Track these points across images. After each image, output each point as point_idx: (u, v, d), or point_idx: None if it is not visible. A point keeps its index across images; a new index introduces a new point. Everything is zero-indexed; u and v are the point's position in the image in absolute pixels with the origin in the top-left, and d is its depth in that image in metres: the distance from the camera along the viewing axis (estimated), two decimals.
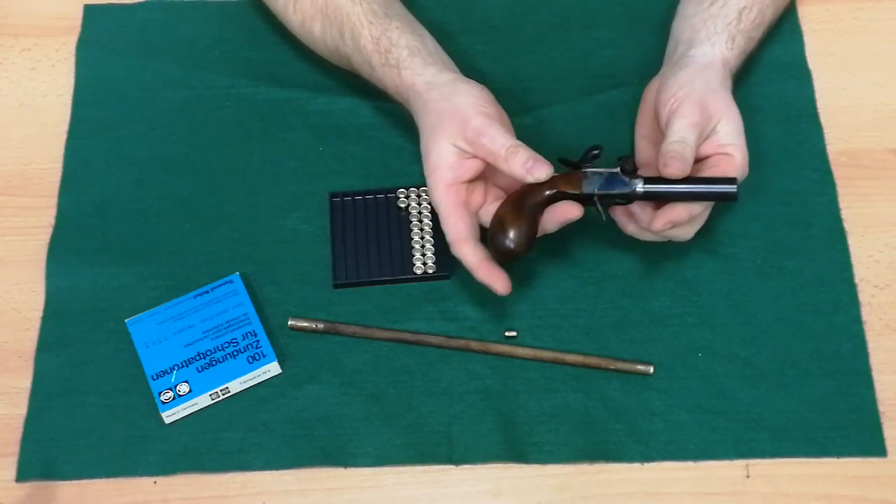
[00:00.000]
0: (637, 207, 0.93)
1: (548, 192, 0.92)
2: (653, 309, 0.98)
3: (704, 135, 0.92)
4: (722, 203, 0.94)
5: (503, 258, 0.92)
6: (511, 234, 0.91)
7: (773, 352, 0.96)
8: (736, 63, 0.99)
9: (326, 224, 1.02)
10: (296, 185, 1.05)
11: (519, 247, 0.91)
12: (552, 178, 0.91)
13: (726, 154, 0.93)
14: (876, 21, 1.13)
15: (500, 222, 0.91)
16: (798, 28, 1.12)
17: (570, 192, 0.92)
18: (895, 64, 1.11)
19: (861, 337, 0.97)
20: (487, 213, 0.94)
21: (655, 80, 0.99)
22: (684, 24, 1.02)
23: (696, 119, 0.91)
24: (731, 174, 0.91)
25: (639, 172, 0.92)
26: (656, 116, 0.96)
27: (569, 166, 0.93)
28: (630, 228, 0.96)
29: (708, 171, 0.92)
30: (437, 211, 0.94)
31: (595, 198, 0.92)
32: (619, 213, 0.96)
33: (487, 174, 0.95)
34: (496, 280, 0.92)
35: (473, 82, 0.96)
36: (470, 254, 0.93)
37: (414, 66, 0.97)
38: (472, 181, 0.94)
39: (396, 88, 0.98)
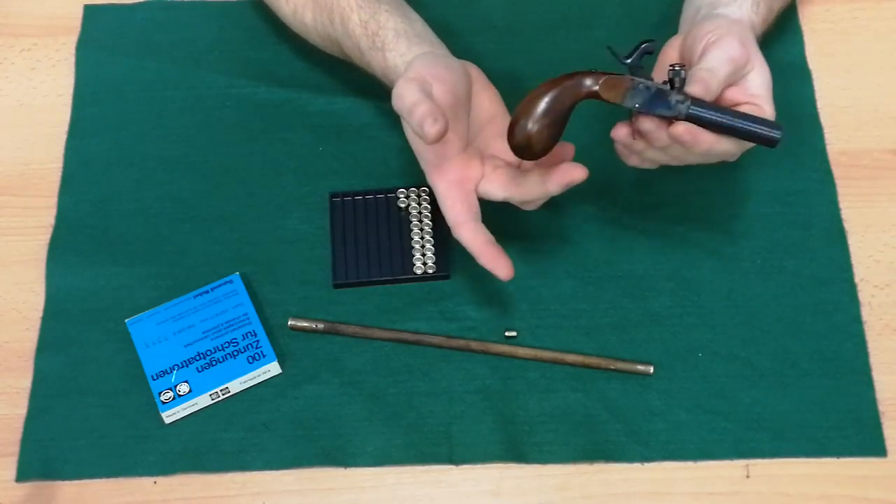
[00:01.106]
0: (651, 125, 0.86)
1: (586, 93, 0.86)
2: (653, 309, 0.98)
3: (737, 76, 0.88)
4: (760, 144, 0.87)
5: (520, 150, 0.86)
6: (532, 123, 0.85)
7: (773, 352, 0.96)
8: (759, 30, 0.96)
9: (326, 224, 1.02)
10: (296, 185, 1.05)
11: (538, 137, 0.85)
12: (595, 74, 0.85)
13: (756, 105, 0.88)
14: (876, 21, 1.13)
15: (526, 109, 0.85)
16: (798, 28, 1.12)
17: (609, 100, 0.85)
18: (895, 64, 1.11)
19: (861, 337, 0.97)
20: (489, 183, 0.92)
21: (677, 38, 0.94)
22: None
23: (735, 54, 0.87)
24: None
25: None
26: (684, 57, 0.91)
27: (615, 58, 0.86)
28: (638, 146, 0.90)
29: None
30: (435, 195, 0.93)
31: (632, 111, 0.85)
32: (622, 136, 0.89)
33: (480, 144, 0.94)
34: (499, 264, 0.90)
35: (450, 56, 0.94)
36: (471, 237, 0.91)
37: (399, 48, 0.95)
38: (463, 156, 0.92)
39: (383, 71, 0.97)
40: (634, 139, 0.88)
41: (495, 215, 1.02)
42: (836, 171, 1.04)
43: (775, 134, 0.85)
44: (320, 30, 1.02)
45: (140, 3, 1.15)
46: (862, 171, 1.05)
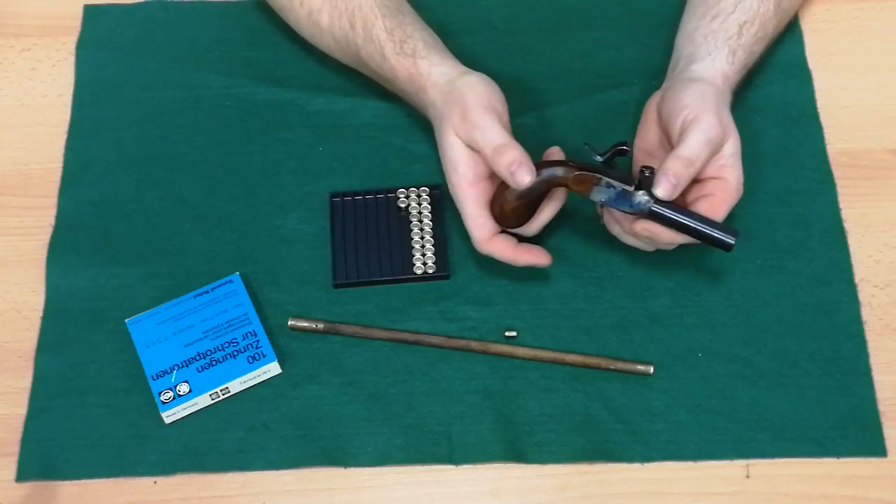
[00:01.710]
0: (619, 215, 0.93)
1: (558, 182, 0.92)
2: (653, 309, 0.98)
3: (716, 152, 0.91)
4: (715, 247, 0.91)
5: (498, 222, 0.94)
6: (508, 205, 0.92)
7: (773, 352, 0.96)
8: (736, 78, 0.99)
9: (326, 224, 1.02)
10: (296, 185, 1.05)
11: (513, 215, 0.93)
12: (568, 167, 0.91)
13: (721, 179, 0.91)
14: (876, 21, 1.13)
15: (501, 191, 0.92)
16: (798, 28, 1.12)
17: (579, 193, 0.92)
18: (895, 64, 1.11)
19: (861, 337, 0.97)
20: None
21: (657, 95, 0.98)
22: (685, 39, 1.01)
23: (713, 135, 0.90)
24: (724, 201, 0.91)
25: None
26: (663, 127, 0.95)
27: (591, 153, 0.91)
28: (615, 229, 0.96)
29: (702, 195, 0.91)
30: (459, 209, 0.94)
31: (599, 206, 0.92)
32: (605, 213, 0.96)
33: None
34: (539, 256, 0.95)
35: (484, 76, 0.96)
36: (501, 248, 0.94)
37: (431, 57, 0.97)
38: (493, 175, 0.94)
39: (411, 77, 0.98)
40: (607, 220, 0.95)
41: None
42: (836, 171, 1.04)
43: (730, 240, 0.89)
44: (337, 34, 1.02)
45: (140, 3, 1.15)
46: (862, 171, 1.05)
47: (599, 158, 0.90)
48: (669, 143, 0.93)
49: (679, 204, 0.90)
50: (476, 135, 0.91)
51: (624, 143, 0.90)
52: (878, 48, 1.12)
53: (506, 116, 0.95)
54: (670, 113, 0.93)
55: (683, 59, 0.99)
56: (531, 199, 0.92)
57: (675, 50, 1.03)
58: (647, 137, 0.98)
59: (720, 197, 0.91)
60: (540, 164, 0.92)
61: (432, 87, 0.96)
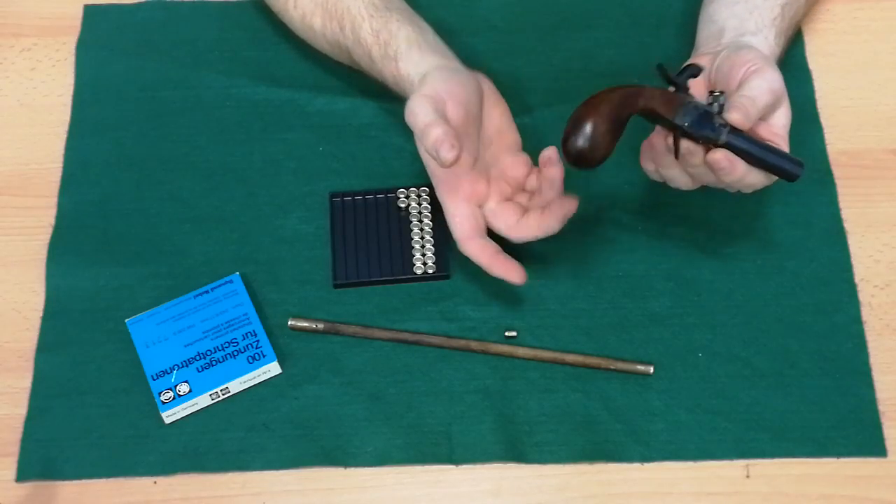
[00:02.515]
0: (691, 145, 0.88)
1: (642, 106, 0.87)
2: (653, 309, 0.98)
3: (772, 109, 0.89)
4: (782, 178, 0.90)
5: (580, 156, 0.86)
6: (588, 133, 0.85)
7: (773, 352, 0.96)
8: (779, 63, 0.97)
9: (326, 224, 1.02)
10: (296, 185, 1.05)
11: (595, 148, 0.85)
12: (650, 91, 0.87)
13: (776, 144, 0.90)
14: (876, 21, 1.13)
15: (578, 119, 0.86)
16: (798, 28, 1.12)
17: (662, 115, 0.87)
18: (895, 64, 1.11)
19: (861, 337, 0.97)
20: (492, 212, 0.94)
21: (701, 57, 0.95)
22: (727, 11, 0.98)
23: (776, 86, 0.88)
24: None
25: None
26: (718, 83, 0.91)
27: (666, 80, 0.88)
28: (649, 166, 0.93)
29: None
30: (441, 205, 0.94)
31: (678, 131, 0.87)
32: (660, 144, 0.91)
33: (489, 159, 0.95)
34: (511, 272, 0.92)
35: (456, 69, 0.95)
36: (478, 251, 0.93)
37: (411, 57, 0.96)
38: (472, 173, 0.93)
39: (395, 80, 0.98)
40: (669, 152, 0.90)
41: None
42: (836, 171, 1.04)
43: (798, 171, 0.89)
44: (329, 37, 1.02)
45: (140, 3, 1.15)
46: (862, 171, 1.05)
47: (677, 79, 0.87)
48: (726, 91, 0.90)
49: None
50: (410, 120, 0.89)
51: (694, 64, 0.88)
52: (878, 48, 1.12)
53: (473, 107, 0.93)
54: (732, 65, 0.90)
55: (730, 31, 0.96)
56: (617, 124, 0.85)
57: (710, 19, 1.00)
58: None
59: None
60: (622, 87, 0.87)
61: (409, 87, 0.95)
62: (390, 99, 1.07)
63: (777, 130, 0.91)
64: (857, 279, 0.99)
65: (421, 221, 1.02)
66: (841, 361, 0.96)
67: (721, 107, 0.87)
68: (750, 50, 0.92)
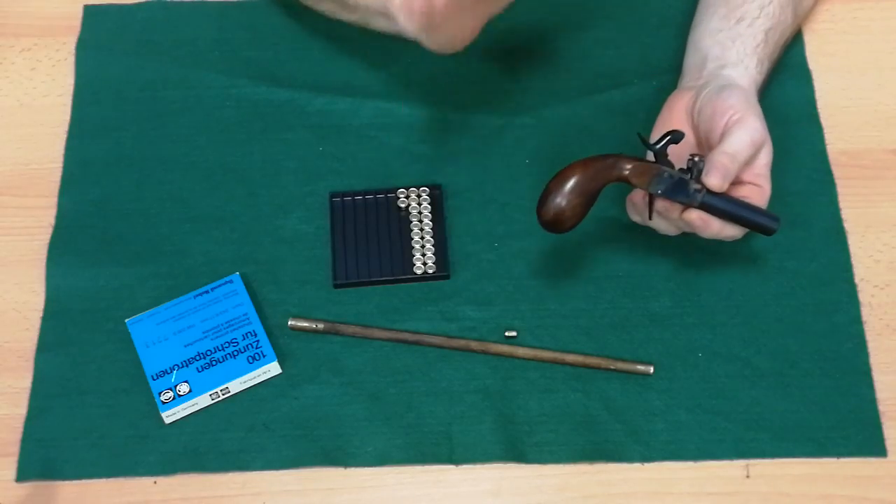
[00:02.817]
0: (667, 204, 0.91)
1: (616, 176, 0.90)
2: (653, 309, 0.98)
3: (755, 156, 0.91)
4: (759, 232, 0.92)
5: (550, 224, 0.90)
6: (564, 200, 0.89)
7: (773, 352, 0.96)
8: (762, 88, 0.99)
9: (326, 224, 1.02)
10: (296, 185, 1.05)
11: (570, 213, 0.89)
12: (628, 159, 0.89)
13: (757, 186, 0.91)
14: (876, 21, 1.13)
15: (558, 185, 0.89)
16: (798, 28, 1.12)
17: (636, 185, 0.90)
18: (895, 64, 1.11)
19: (861, 337, 0.97)
20: None
21: (685, 93, 0.97)
22: (710, 39, 1.00)
23: (757, 137, 0.90)
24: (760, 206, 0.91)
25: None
26: (700, 127, 0.93)
27: (646, 146, 0.91)
28: (636, 217, 0.95)
29: (741, 196, 0.91)
30: None
31: (651, 197, 0.91)
32: (638, 200, 0.93)
33: None
34: None
35: None
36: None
37: None
38: None
39: None
40: (647, 210, 0.92)
41: (496, 218, 1.02)
42: (836, 171, 1.04)
43: (774, 225, 0.91)
44: None
45: (140, 3, 1.15)
46: (862, 171, 1.05)
47: (657, 147, 0.90)
48: (707, 139, 0.92)
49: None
50: None
51: (675, 131, 0.90)
52: (878, 48, 1.12)
53: None
54: (714, 111, 0.92)
55: (712, 61, 0.98)
56: (588, 198, 0.90)
57: (695, 48, 1.01)
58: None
59: (757, 201, 0.91)
60: (597, 158, 0.90)
61: None
62: (390, 99, 1.07)
63: (759, 171, 0.92)
64: (857, 279, 0.99)
65: (421, 221, 1.02)
66: (841, 361, 0.96)
67: (700, 171, 0.89)
68: (731, 92, 0.93)
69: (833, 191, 1.03)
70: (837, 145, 1.06)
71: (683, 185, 0.89)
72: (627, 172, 0.90)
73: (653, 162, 0.90)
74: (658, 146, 0.90)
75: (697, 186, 0.89)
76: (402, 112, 1.07)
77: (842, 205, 1.03)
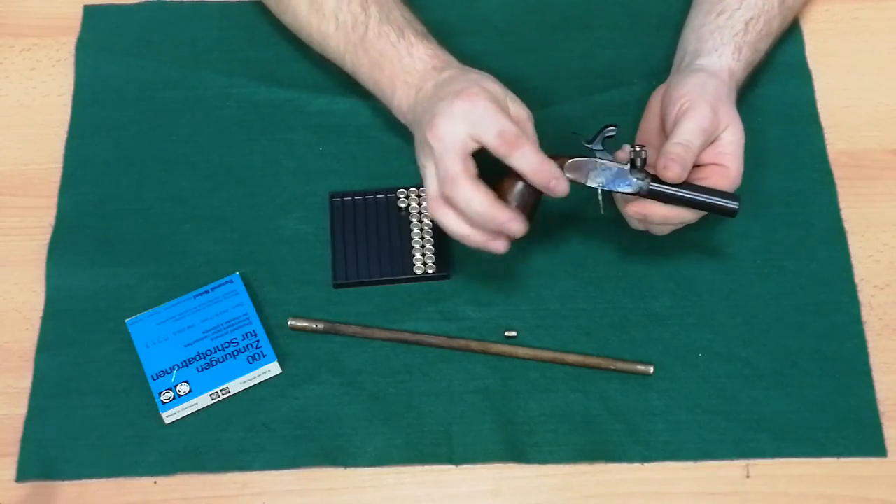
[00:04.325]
0: (651, 206, 0.91)
1: None
2: (653, 309, 0.98)
3: (709, 141, 0.91)
4: (720, 215, 0.92)
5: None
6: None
7: (773, 352, 0.96)
8: (742, 75, 0.99)
9: (326, 224, 1.02)
10: (296, 185, 1.05)
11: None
12: (560, 158, 0.90)
13: (721, 165, 0.91)
14: (876, 21, 1.13)
15: (502, 195, 0.90)
16: (798, 28, 1.12)
17: (575, 181, 0.91)
18: (895, 64, 1.11)
19: (861, 337, 0.97)
20: None
21: (661, 87, 0.98)
22: (692, 35, 1.01)
23: (706, 124, 0.90)
24: (724, 186, 0.90)
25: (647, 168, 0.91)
26: (662, 117, 0.95)
27: (581, 141, 0.91)
28: (636, 223, 0.95)
29: (702, 181, 0.91)
30: (429, 153, 0.89)
31: (596, 191, 0.91)
32: (632, 211, 0.94)
33: None
34: (516, 221, 0.89)
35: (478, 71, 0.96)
36: (474, 192, 0.87)
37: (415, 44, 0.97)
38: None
39: (434, 54, 0.97)
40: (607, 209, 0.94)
41: None
42: (836, 171, 1.04)
43: (733, 205, 0.90)
44: (342, 16, 1.01)
45: (140, 4, 1.15)
46: (862, 171, 1.05)
47: (590, 145, 0.91)
48: (664, 131, 0.94)
49: None
50: (508, 152, 0.88)
51: (611, 125, 0.90)
52: (878, 48, 1.12)
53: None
54: (669, 102, 0.93)
55: (689, 55, 0.99)
56: (529, 205, 0.91)
57: (679, 46, 1.03)
58: (649, 129, 0.98)
59: (719, 182, 0.91)
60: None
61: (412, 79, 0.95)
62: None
63: (723, 149, 0.92)
64: (857, 279, 0.99)
65: (421, 221, 1.02)
66: (841, 361, 0.96)
67: (644, 160, 0.89)
68: (686, 80, 0.94)
69: (833, 191, 1.03)
70: (837, 145, 1.06)
71: (623, 174, 0.90)
72: (564, 169, 0.90)
73: (587, 156, 0.91)
74: (593, 143, 0.90)
75: (641, 175, 0.89)
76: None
77: (842, 205, 1.03)
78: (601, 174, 0.90)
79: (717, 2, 1.01)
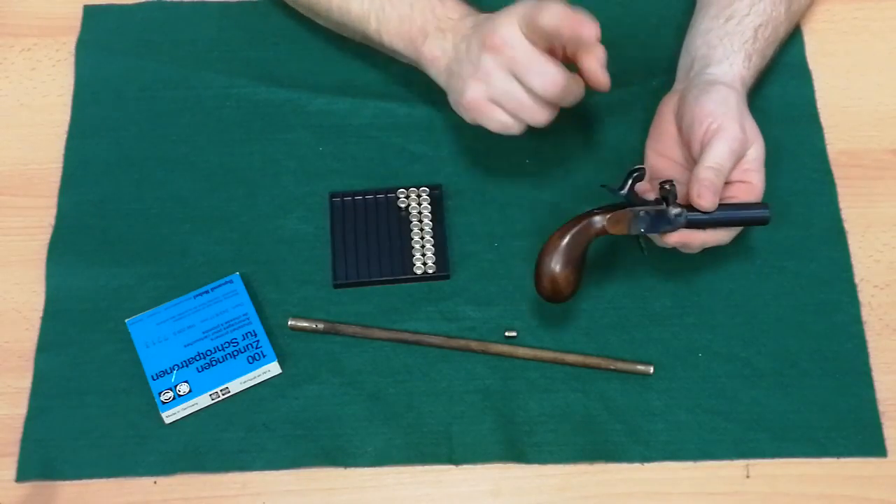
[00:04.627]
0: (688, 235, 0.91)
1: (596, 232, 0.91)
2: (653, 309, 0.98)
3: (739, 160, 0.91)
4: (755, 225, 0.93)
5: (549, 298, 0.92)
6: (557, 273, 0.90)
7: (773, 352, 0.96)
8: (751, 83, 0.99)
9: (326, 224, 1.02)
10: (296, 185, 1.05)
11: (565, 284, 0.91)
12: (601, 213, 0.90)
13: (746, 182, 0.92)
14: (876, 21, 1.13)
15: (551, 277, 0.91)
16: (798, 28, 1.12)
17: (617, 233, 0.91)
18: (895, 64, 1.11)
19: (861, 337, 0.97)
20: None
21: (673, 96, 0.97)
22: (700, 40, 1.00)
23: (736, 146, 0.90)
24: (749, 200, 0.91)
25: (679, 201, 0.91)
26: (683, 133, 0.94)
27: (613, 194, 0.91)
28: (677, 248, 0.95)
29: (729, 197, 0.91)
30: (518, 59, 0.90)
31: (638, 238, 0.92)
32: (672, 243, 0.94)
33: None
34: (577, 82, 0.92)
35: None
36: (547, 62, 0.90)
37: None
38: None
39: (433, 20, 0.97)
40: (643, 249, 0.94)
41: (496, 218, 1.02)
42: (836, 171, 1.04)
43: (765, 213, 0.91)
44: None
45: (140, 4, 1.15)
46: (862, 171, 1.05)
47: (622, 192, 0.90)
48: (689, 148, 0.93)
49: None
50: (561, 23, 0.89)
51: (637, 168, 0.90)
52: (878, 48, 1.12)
53: None
54: (693, 119, 0.92)
55: (699, 62, 0.98)
56: (577, 263, 0.91)
57: (686, 50, 1.02)
58: (661, 139, 0.97)
59: (745, 199, 0.91)
60: (572, 222, 0.91)
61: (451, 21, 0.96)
62: (390, 99, 1.07)
63: (748, 166, 0.92)
64: (857, 279, 0.99)
65: (421, 221, 1.02)
66: (841, 361, 0.96)
67: (675, 196, 0.90)
68: (710, 97, 0.93)
69: (833, 191, 1.03)
70: (837, 145, 1.06)
71: (662, 216, 0.90)
72: (604, 226, 0.91)
73: (623, 206, 0.91)
74: (624, 190, 0.90)
75: (677, 211, 0.90)
76: (402, 112, 1.07)
77: (842, 205, 1.03)
78: (643, 220, 0.91)
79: (725, 6, 1.00)
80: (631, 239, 0.93)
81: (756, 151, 0.92)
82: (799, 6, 1.06)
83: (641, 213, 0.90)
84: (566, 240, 0.90)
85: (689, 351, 0.96)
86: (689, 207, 0.90)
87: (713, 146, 0.90)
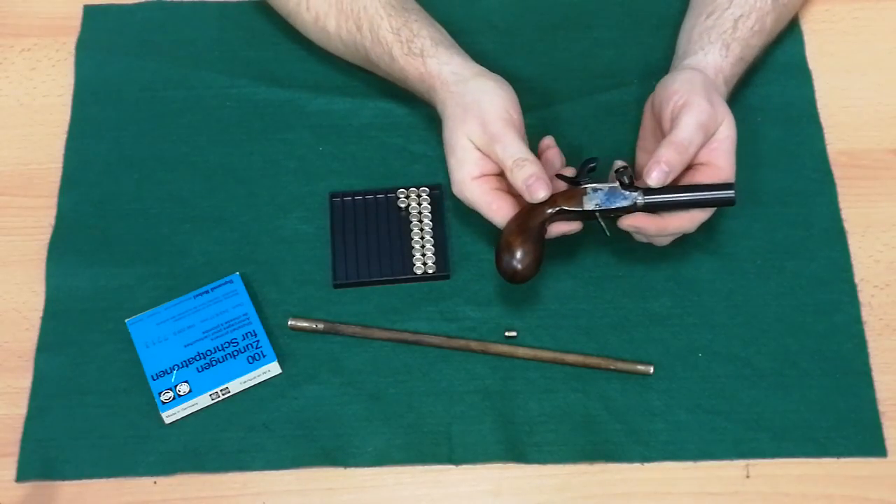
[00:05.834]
0: (642, 219, 0.92)
1: (549, 211, 0.91)
2: (653, 309, 0.98)
3: (710, 135, 0.91)
4: (721, 206, 0.93)
5: (512, 280, 0.92)
6: (518, 255, 0.90)
7: (773, 352, 0.96)
8: (732, 71, 0.99)
9: (326, 224, 1.02)
10: (296, 185, 1.05)
11: (526, 268, 0.91)
12: (552, 197, 0.91)
13: (712, 165, 0.91)
14: (876, 21, 1.13)
15: (506, 245, 0.91)
16: (798, 28, 1.12)
17: (572, 209, 0.92)
18: (895, 64, 1.11)
19: (861, 337, 0.97)
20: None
21: (652, 94, 0.98)
22: (683, 38, 1.02)
23: (704, 118, 0.90)
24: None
25: (637, 183, 0.92)
26: (657, 118, 0.95)
27: (566, 182, 0.93)
28: (640, 237, 0.95)
29: (694, 181, 0.91)
30: (471, 203, 0.93)
31: (597, 213, 0.92)
32: (625, 226, 0.94)
33: None
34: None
35: (499, 79, 0.96)
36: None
37: (439, 55, 0.97)
38: (501, 176, 0.93)
39: (421, 77, 0.98)
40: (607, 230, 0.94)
41: None
42: (836, 171, 1.04)
43: (729, 193, 0.91)
44: (345, 37, 1.02)
45: (140, 4, 1.15)
46: (862, 171, 1.05)
47: (578, 179, 0.92)
48: (661, 132, 0.93)
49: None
50: (497, 147, 0.91)
51: (592, 159, 0.92)
52: (878, 48, 1.12)
53: (521, 121, 0.95)
54: (661, 101, 0.93)
55: (678, 57, 1.00)
56: (533, 234, 0.91)
57: (675, 51, 1.03)
58: (644, 135, 0.98)
59: (712, 179, 0.91)
60: (527, 205, 0.92)
61: (442, 86, 0.96)
62: (390, 99, 1.07)
63: (716, 145, 0.92)
64: (857, 279, 0.99)
65: (421, 221, 1.02)
66: (841, 361, 0.96)
67: (630, 178, 0.91)
68: (675, 77, 0.94)
69: (833, 191, 1.03)
70: (837, 145, 1.06)
71: (615, 193, 0.91)
72: (558, 200, 0.91)
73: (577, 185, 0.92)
74: (578, 176, 0.92)
75: (631, 190, 0.90)
76: (401, 112, 1.07)
77: (842, 205, 1.03)
78: (595, 196, 0.91)
79: (707, 3, 1.01)
80: (595, 222, 0.93)
81: (727, 130, 0.92)
82: None
83: (590, 189, 0.91)
84: (522, 213, 0.91)
85: (689, 351, 0.96)
86: (648, 189, 0.90)
87: (680, 120, 0.90)
